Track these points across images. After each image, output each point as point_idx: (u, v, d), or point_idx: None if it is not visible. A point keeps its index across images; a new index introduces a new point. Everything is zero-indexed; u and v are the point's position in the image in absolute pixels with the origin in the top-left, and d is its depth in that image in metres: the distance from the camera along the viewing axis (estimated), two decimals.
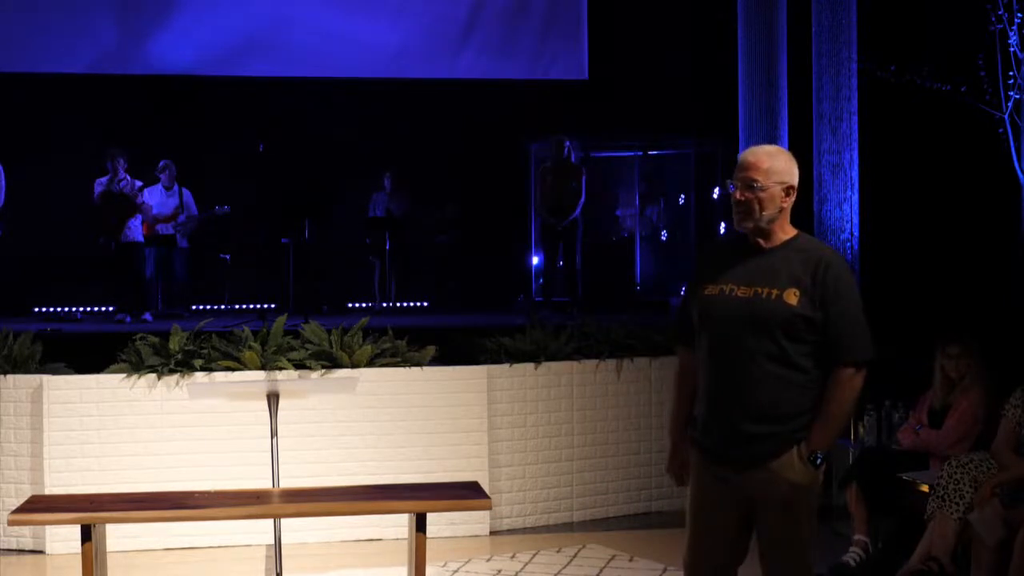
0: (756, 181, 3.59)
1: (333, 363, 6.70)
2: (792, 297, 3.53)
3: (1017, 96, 8.41)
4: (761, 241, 3.66)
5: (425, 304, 11.81)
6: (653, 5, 11.53)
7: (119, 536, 5.99)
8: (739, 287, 3.61)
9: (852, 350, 3.53)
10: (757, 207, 3.60)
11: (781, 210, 3.62)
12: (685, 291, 3.89)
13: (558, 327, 7.43)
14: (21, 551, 6.47)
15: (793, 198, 3.65)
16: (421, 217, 11.82)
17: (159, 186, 10.51)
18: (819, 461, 3.53)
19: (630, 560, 6.10)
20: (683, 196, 12.67)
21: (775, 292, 3.55)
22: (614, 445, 7.23)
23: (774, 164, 3.62)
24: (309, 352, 6.71)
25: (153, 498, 4.86)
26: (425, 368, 6.81)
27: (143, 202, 10.01)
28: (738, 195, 3.61)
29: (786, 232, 3.67)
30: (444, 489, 5.07)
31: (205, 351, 6.67)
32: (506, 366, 6.97)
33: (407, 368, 6.78)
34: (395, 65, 11.78)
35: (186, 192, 10.66)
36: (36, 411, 6.49)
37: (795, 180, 3.64)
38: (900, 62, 8.93)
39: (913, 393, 6.25)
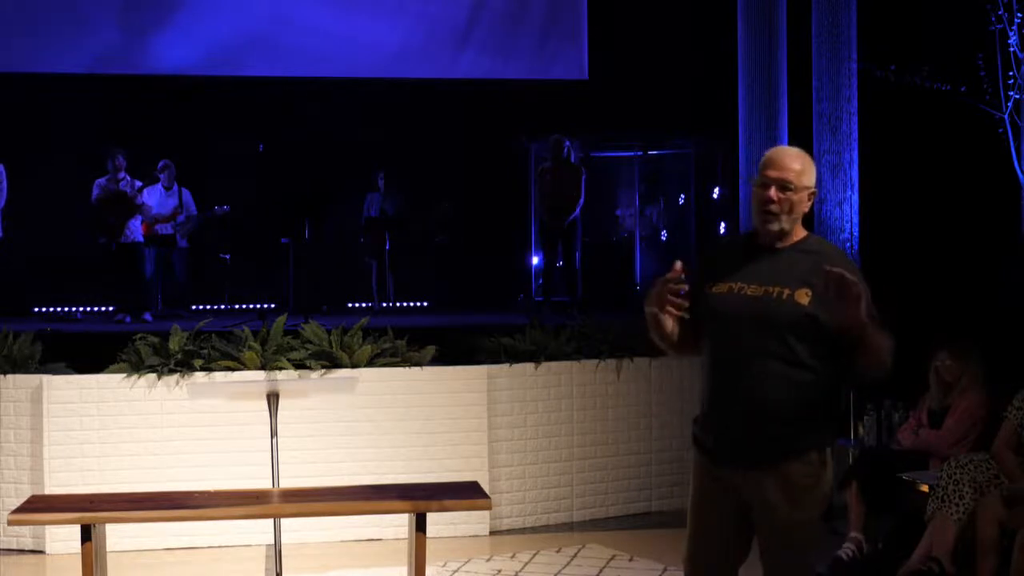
0: (791, 184, 3.58)
1: (333, 363, 6.70)
2: (804, 297, 3.52)
3: (1017, 96, 8.40)
4: (776, 242, 3.65)
5: (425, 304, 11.82)
6: (653, 5, 11.53)
7: (119, 536, 5.99)
8: (749, 286, 3.60)
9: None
10: (788, 208, 3.59)
11: (802, 214, 3.65)
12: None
13: (558, 327, 7.43)
14: (21, 551, 6.47)
15: (812, 201, 3.67)
16: (421, 217, 11.82)
17: (159, 186, 10.50)
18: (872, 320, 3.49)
19: (630, 560, 6.10)
20: (683, 196, 12.67)
21: (786, 292, 3.54)
22: (614, 445, 7.24)
23: (805, 167, 3.62)
24: (309, 352, 6.71)
25: (153, 498, 4.86)
26: (425, 368, 6.81)
27: (143, 202, 10.00)
28: (772, 194, 3.58)
29: (797, 233, 3.67)
30: (444, 489, 5.07)
31: (205, 351, 6.67)
32: (506, 366, 6.97)
33: (407, 368, 6.78)
34: (395, 65, 11.77)
35: (186, 192, 10.65)
36: (36, 411, 6.49)
37: (815, 185, 3.67)
38: (900, 62, 8.93)
39: (913, 393, 6.26)
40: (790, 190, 3.57)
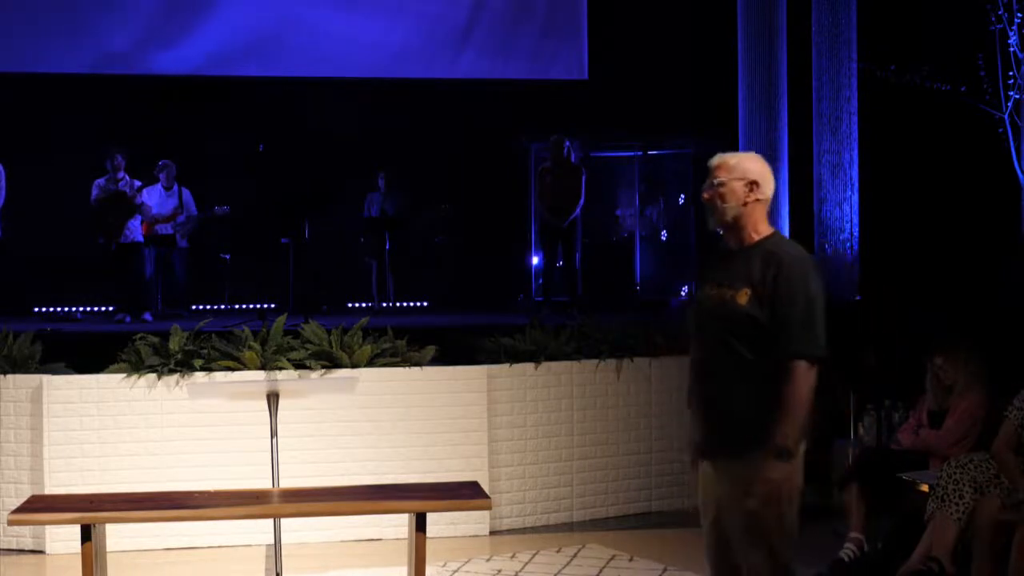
0: (716, 178, 3.76)
1: (333, 363, 6.69)
2: (743, 297, 3.65)
3: (1017, 96, 8.42)
4: (733, 242, 3.79)
5: (425, 304, 11.81)
6: (653, 5, 11.53)
7: (119, 536, 5.98)
8: (713, 288, 3.76)
9: (796, 346, 3.59)
10: (719, 202, 3.74)
11: (745, 204, 3.74)
12: None
13: (558, 327, 7.43)
14: (21, 551, 6.47)
15: (760, 194, 3.75)
16: (421, 217, 11.82)
17: (158, 186, 10.50)
18: (787, 455, 3.58)
19: (630, 560, 6.10)
20: (683, 196, 12.66)
21: (731, 293, 3.68)
22: (614, 445, 7.23)
23: (735, 162, 3.78)
24: (309, 352, 6.71)
25: (153, 498, 4.86)
26: (425, 368, 6.81)
27: (142, 202, 10.00)
28: (704, 195, 3.79)
29: (759, 232, 3.77)
30: (444, 489, 5.07)
31: (205, 351, 6.66)
32: (506, 366, 6.97)
33: (407, 368, 6.78)
34: (395, 65, 11.77)
35: (185, 192, 10.65)
36: (36, 411, 6.49)
37: (760, 177, 3.75)
38: (900, 62, 8.94)
39: (913, 393, 6.26)
40: (717, 184, 3.75)
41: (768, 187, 3.76)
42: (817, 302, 3.62)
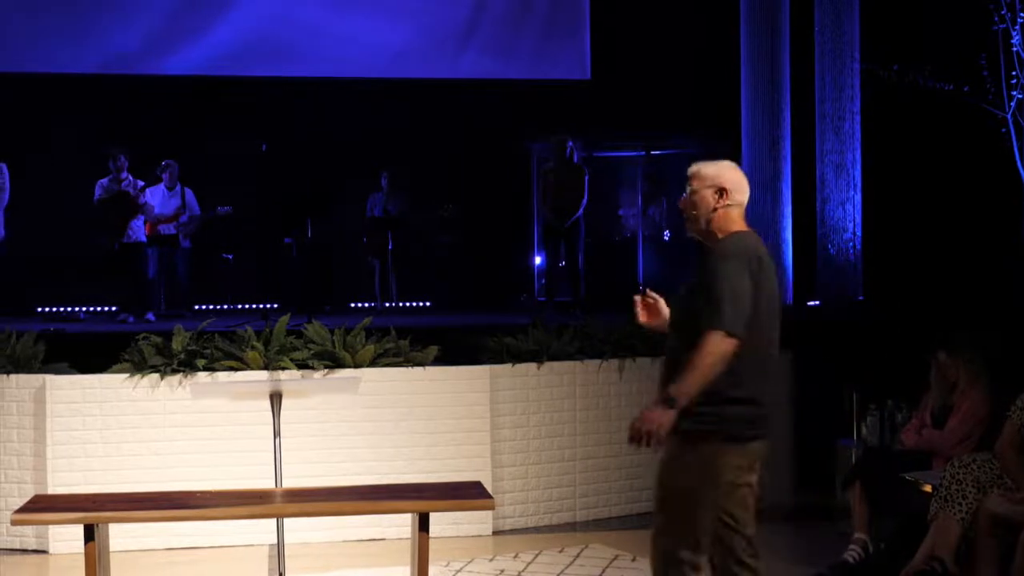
0: (689, 185, 3.99)
1: (336, 363, 6.70)
2: (682, 290, 3.97)
3: (1020, 96, 8.40)
4: (705, 244, 4.00)
5: (428, 304, 11.82)
6: (655, 5, 11.53)
7: (122, 536, 5.99)
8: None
9: (707, 320, 3.74)
10: (691, 209, 3.99)
11: (715, 211, 3.95)
12: None
13: (560, 327, 7.43)
14: (24, 551, 6.48)
15: (729, 200, 3.94)
16: (423, 217, 11.82)
17: (161, 186, 10.50)
18: (672, 402, 3.74)
19: (633, 560, 6.09)
20: (685, 196, 12.66)
21: (684, 289, 3.98)
22: (617, 445, 7.22)
23: (706, 170, 3.99)
24: (312, 352, 6.71)
25: (156, 498, 4.87)
26: (428, 368, 6.81)
27: (145, 202, 10.00)
28: (680, 203, 4.05)
29: (726, 232, 3.96)
30: (447, 489, 5.07)
31: (208, 351, 6.67)
32: (509, 366, 6.97)
33: (410, 368, 6.78)
34: (397, 65, 11.77)
35: (188, 192, 10.65)
36: (39, 411, 6.49)
37: (729, 184, 3.95)
38: (903, 62, 8.92)
39: (916, 393, 6.26)
40: (690, 193, 4.00)
41: (739, 193, 3.96)
42: (731, 285, 3.75)
